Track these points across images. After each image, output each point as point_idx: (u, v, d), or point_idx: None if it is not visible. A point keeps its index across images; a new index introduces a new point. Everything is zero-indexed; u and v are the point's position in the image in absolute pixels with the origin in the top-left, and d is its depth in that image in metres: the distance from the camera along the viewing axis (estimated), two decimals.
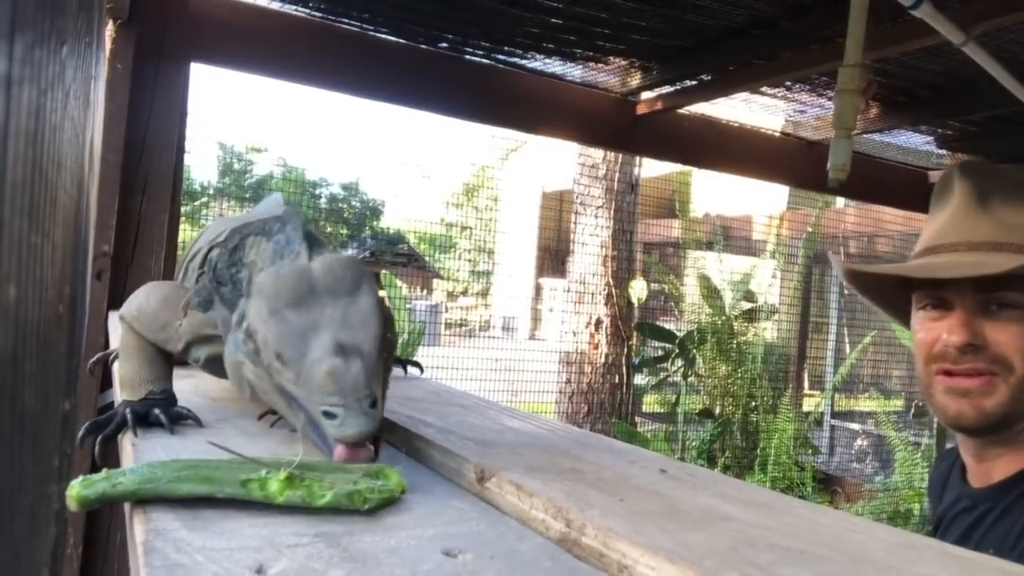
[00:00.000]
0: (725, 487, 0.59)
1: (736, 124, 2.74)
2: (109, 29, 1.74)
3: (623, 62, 2.27)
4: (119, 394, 0.71)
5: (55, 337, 0.36)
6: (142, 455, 0.62)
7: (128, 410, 0.66)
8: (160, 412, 0.66)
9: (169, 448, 0.64)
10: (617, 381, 4.83)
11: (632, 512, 0.49)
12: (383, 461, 0.56)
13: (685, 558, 0.40)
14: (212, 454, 0.55)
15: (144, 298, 0.77)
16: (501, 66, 2.30)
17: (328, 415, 0.54)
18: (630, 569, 0.42)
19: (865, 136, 2.74)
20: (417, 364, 1.13)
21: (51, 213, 0.31)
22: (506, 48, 2.20)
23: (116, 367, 0.84)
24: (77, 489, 0.47)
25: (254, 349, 0.61)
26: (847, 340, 5.59)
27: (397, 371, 1.12)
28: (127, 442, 0.65)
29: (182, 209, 2.24)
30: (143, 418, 0.66)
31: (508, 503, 0.54)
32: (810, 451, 4.52)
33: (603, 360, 4.80)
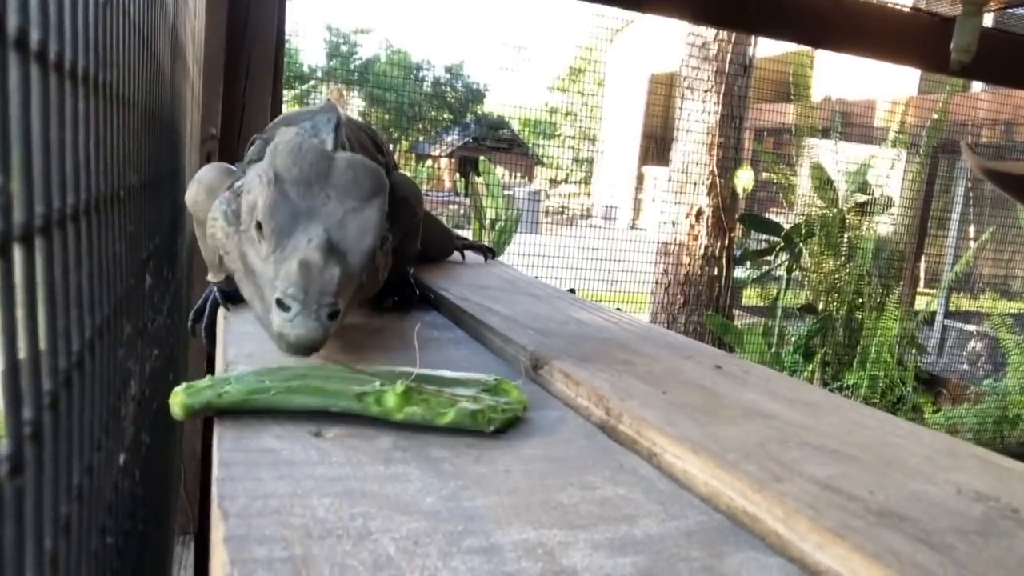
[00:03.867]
0: (777, 385, 0.59)
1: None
2: None
3: None
4: (208, 276, 0.77)
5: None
6: (233, 328, 0.68)
7: (215, 290, 0.71)
8: None
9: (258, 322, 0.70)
10: (716, 273, 4.74)
11: (671, 405, 0.50)
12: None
13: (709, 450, 0.42)
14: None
15: (196, 186, 0.73)
16: None
17: (281, 305, 0.50)
18: (658, 456, 0.44)
19: (1009, 11, 2.45)
20: (491, 250, 1.15)
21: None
22: None
23: None
24: (181, 397, 0.45)
25: (234, 210, 0.58)
26: (971, 237, 5.23)
27: (477, 257, 1.15)
28: (220, 319, 0.71)
29: (292, 93, 2.29)
30: (232, 296, 0.71)
31: (557, 390, 0.57)
32: (915, 350, 4.35)
33: (702, 251, 4.70)
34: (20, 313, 0.22)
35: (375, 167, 0.60)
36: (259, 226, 0.55)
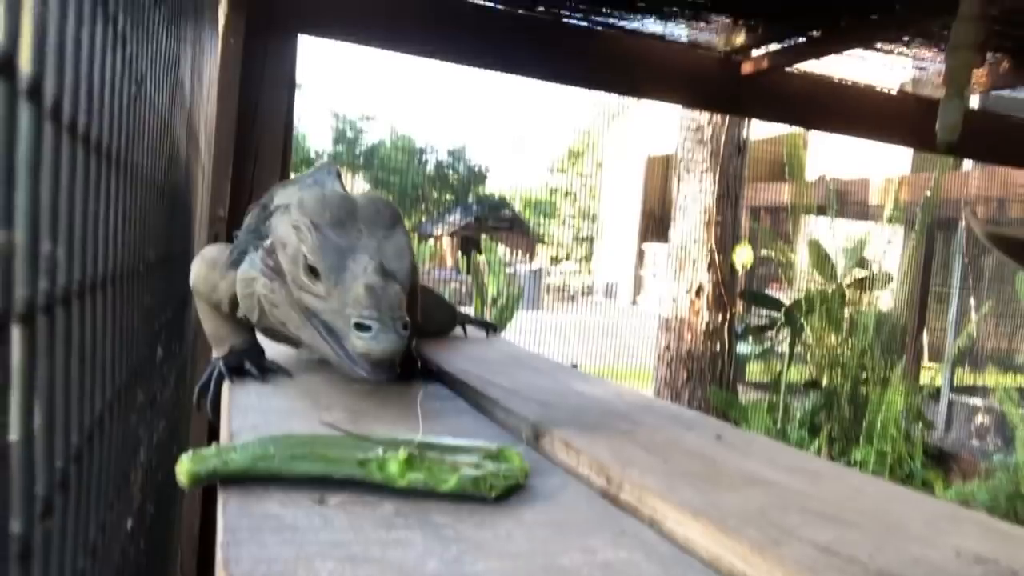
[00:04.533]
0: (778, 455, 0.59)
1: (850, 82, 2.60)
2: (222, 5, 1.85)
3: (727, 20, 2.20)
4: (213, 352, 0.79)
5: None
6: (238, 400, 0.69)
7: (221, 363, 0.73)
8: (251, 364, 0.73)
9: (262, 395, 0.71)
10: (718, 349, 4.73)
11: (672, 473, 0.51)
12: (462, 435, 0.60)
13: (710, 515, 0.42)
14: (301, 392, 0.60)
15: (199, 263, 0.79)
16: (599, 28, 2.27)
17: (361, 327, 0.56)
18: (660, 523, 0.44)
19: (994, 93, 2.55)
20: (492, 326, 1.17)
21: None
22: (604, 9, 2.17)
23: None
24: (187, 465, 0.45)
25: (273, 265, 0.64)
26: (972, 311, 5.25)
27: (479, 333, 1.17)
28: (224, 391, 0.72)
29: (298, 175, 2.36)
30: (237, 370, 0.73)
31: (559, 458, 0.57)
32: (922, 425, 4.30)
33: (704, 327, 4.71)
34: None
35: (388, 200, 0.68)
36: (311, 270, 0.61)
